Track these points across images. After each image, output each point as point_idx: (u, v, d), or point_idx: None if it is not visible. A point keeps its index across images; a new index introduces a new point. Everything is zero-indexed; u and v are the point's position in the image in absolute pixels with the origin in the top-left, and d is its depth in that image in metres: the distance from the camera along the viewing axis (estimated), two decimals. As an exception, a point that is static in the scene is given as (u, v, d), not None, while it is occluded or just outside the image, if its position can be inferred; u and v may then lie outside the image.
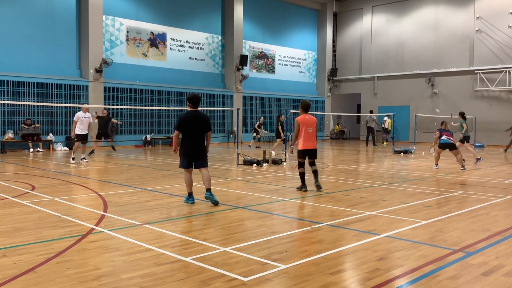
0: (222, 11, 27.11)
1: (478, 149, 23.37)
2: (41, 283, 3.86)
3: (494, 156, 18.84)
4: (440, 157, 14.01)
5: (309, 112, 9.07)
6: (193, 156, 7.44)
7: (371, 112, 27.11)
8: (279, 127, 18.58)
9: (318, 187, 8.97)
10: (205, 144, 7.54)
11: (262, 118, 22.92)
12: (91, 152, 16.82)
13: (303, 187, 8.97)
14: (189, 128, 7.35)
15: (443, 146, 13.53)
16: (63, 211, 6.76)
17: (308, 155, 9.04)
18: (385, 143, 26.32)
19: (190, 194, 7.56)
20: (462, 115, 16.40)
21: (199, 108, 7.65)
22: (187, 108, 7.68)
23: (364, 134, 29.84)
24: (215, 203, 7.32)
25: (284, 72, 31.10)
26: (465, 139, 15.99)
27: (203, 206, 7.42)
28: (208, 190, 7.39)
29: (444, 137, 13.50)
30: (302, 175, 8.99)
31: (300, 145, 8.94)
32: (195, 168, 7.54)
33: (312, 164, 9.13)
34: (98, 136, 17.64)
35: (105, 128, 17.86)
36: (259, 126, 22.93)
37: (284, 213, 6.95)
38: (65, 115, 20.83)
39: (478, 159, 15.39)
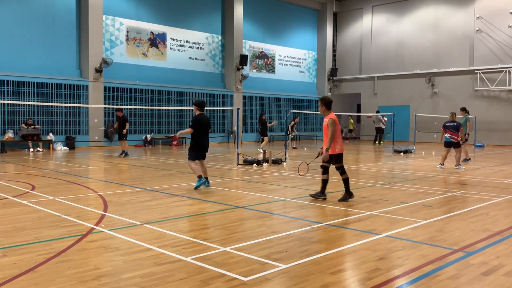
0: (222, 11, 27.10)
1: (478, 149, 23.37)
2: (41, 283, 3.86)
3: (494, 156, 18.83)
4: (447, 156, 13.73)
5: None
6: (204, 151, 9.24)
7: (377, 112, 27.12)
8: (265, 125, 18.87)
9: (351, 197, 7.95)
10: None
11: (297, 119, 22.50)
12: (125, 154, 16.40)
13: (322, 195, 7.92)
14: (201, 128, 9.06)
15: (447, 144, 13.39)
16: (63, 211, 6.76)
17: (341, 159, 7.93)
18: (380, 143, 26.38)
19: (200, 177, 8.90)
20: (464, 110, 16.29)
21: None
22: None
23: (364, 134, 29.90)
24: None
25: (284, 72, 31.09)
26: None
27: (203, 206, 7.42)
28: (207, 178, 9.22)
29: (447, 135, 13.30)
30: (326, 182, 7.93)
31: (340, 148, 7.82)
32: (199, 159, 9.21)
33: (343, 171, 7.94)
34: (120, 137, 16.85)
35: (122, 129, 16.76)
36: (293, 126, 22.27)
37: (284, 213, 6.95)
38: (65, 115, 20.83)
39: (465, 160, 15.58)
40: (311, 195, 8.07)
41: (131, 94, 22.66)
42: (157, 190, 8.96)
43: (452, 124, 13.35)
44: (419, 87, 28.98)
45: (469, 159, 15.68)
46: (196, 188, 8.92)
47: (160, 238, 5.35)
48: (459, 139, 13.25)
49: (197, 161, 9.15)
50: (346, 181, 7.91)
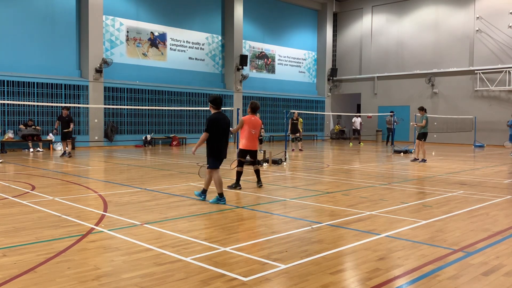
0: (222, 11, 27.11)
1: (478, 149, 23.36)
2: (41, 283, 3.86)
3: (494, 156, 18.83)
4: None
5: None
6: (223, 157, 7.64)
7: (391, 113, 27.03)
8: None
9: (260, 186, 9.41)
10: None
11: (296, 112, 21.46)
12: (64, 154, 16.36)
13: (237, 185, 9.16)
14: (218, 129, 7.45)
15: None
16: (63, 211, 6.76)
17: (249, 155, 9.42)
18: (361, 144, 26.14)
19: (221, 195, 7.52)
20: (423, 109, 15.80)
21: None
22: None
23: (364, 134, 29.85)
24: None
25: (284, 72, 31.10)
26: (420, 136, 15.46)
27: (203, 206, 7.42)
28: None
29: None
30: (240, 174, 9.23)
31: (242, 144, 9.24)
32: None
33: (254, 163, 9.55)
34: (63, 137, 16.35)
35: (66, 128, 16.09)
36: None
37: (284, 213, 6.95)
38: (65, 115, 20.81)
39: (423, 160, 15.48)
40: (228, 186, 9.09)
41: (131, 94, 22.66)
42: (157, 190, 8.96)
43: None
44: (419, 87, 28.98)
45: (418, 159, 15.73)
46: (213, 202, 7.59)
47: (160, 238, 5.35)
48: None
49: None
50: (239, 174, 9.19)
